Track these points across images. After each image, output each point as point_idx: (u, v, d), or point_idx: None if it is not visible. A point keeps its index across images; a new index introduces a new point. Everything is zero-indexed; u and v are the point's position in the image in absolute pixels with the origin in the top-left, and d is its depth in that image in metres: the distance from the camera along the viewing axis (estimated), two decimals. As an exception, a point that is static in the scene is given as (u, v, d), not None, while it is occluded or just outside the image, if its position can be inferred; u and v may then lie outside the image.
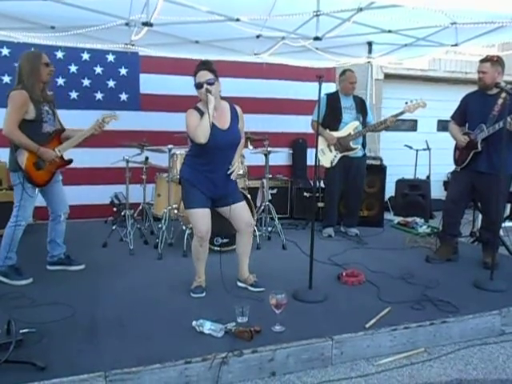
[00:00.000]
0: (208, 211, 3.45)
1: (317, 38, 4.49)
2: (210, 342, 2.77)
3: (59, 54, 6.02)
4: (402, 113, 5.04)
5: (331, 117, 5.28)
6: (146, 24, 3.98)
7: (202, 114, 3.29)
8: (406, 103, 5.01)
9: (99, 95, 6.29)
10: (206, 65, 3.35)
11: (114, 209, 5.71)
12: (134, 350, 2.67)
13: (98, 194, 6.12)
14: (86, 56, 6.17)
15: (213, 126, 3.28)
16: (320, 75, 3.42)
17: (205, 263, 3.62)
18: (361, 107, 5.43)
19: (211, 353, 2.63)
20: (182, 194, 3.58)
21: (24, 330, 2.75)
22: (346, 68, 5.54)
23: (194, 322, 2.94)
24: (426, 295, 3.53)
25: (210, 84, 3.27)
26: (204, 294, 3.52)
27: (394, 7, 4.00)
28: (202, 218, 3.41)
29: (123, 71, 6.36)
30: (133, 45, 5.46)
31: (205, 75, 3.29)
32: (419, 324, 3.10)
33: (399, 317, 3.16)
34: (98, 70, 6.25)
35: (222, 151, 3.39)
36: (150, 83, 6.48)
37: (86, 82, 6.21)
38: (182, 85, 6.53)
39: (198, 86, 3.30)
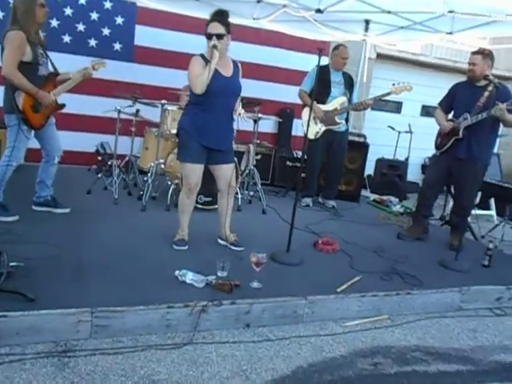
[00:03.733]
0: (201, 166, 3.56)
1: (318, 11, 4.56)
2: (191, 292, 2.93)
3: None
4: (387, 93, 5.17)
5: (320, 90, 5.36)
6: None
7: (206, 62, 3.37)
8: (393, 85, 5.13)
9: (93, 42, 6.22)
10: (219, 16, 3.38)
11: (99, 158, 5.75)
12: (119, 292, 2.81)
13: (83, 142, 6.12)
14: (82, 0, 6.05)
15: (216, 73, 3.37)
16: (321, 48, 3.52)
17: (189, 217, 3.75)
18: (349, 83, 5.53)
19: (192, 300, 2.80)
20: (178, 144, 3.66)
21: (13, 264, 2.85)
22: (340, 43, 5.60)
23: (176, 272, 3.09)
24: (395, 268, 3.77)
25: (219, 38, 3.32)
26: (186, 247, 3.66)
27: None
28: (194, 171, 3.53)
29: (119, 20, 6.29)
30: (134, -6, 5.40)
31: (216, 27, 3.34)
32: (386, 293, 3.33)
33: (368, 285, 3.38)
34: (94, 16, 6.16)
35: (225, 97, 3.47)
36: (146, 35, 6.43)
37: (81, 27, 6.13)
38: (177, 41, 6.54)
39: (208, 36, 3.36)
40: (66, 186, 4.96)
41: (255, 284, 3.12)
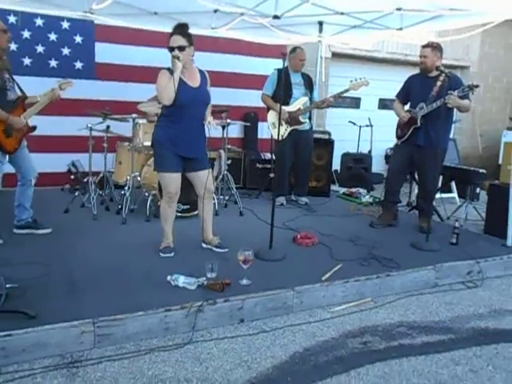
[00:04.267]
0: (178, 174, 3.69)
1: (276, 17, 4.75)
2: (184, 294, 3.06)
3: (11, 19, 5.88)
4: (346, 90, 5.40)
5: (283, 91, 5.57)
6: (112, -6, 4.07)
7: (172, 74, 3.48)
8: (351, 81, 5.36)
9: (53, 62, 6.22)
10: (180, 29, 3.51)
11: (72, 176, 5.77)
12: (116, 301, 2.92)
13: (54, 162, 6.11)
14: (39, 22, 6.05)
15: (184, 84, 3.52)
16: (284, 53, 3.70)
17: (172, 224, 3.87)
18: (309, 83, 5.76)
19: (188, 302, 2.93)
20: (154, 155, 3.77)
21: (8, 285, 2.90)
22: (296, 46, 5.82)
23: (168, 277, 3.21)
24: (372, 254, 4.00)
25: (180, 50, 3.45)
26: (173, 254, 3.78)
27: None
28: (172, 180, 3.66)
29: (78, 39, 6.31)
30: (92, 13, 5.46)
31: (177, 40, 3.48)
32: (367, 277, 3.55)
33: (350, 271, 3.60)
34: (53, 36, 6.17)
35: (194, 107, 3.59)
36: (106, 52, 6.47)
37: (40, 49, 6.12)
38: (137, 55, 6.61)
39: (170, 50, 3.48)
40: (42, 207, 4.95)
41: (244, 281, 3.27)
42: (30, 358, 2.51)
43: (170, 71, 3.52)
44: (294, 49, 5.71)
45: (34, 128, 4.03)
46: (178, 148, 3.62)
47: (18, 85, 4.00)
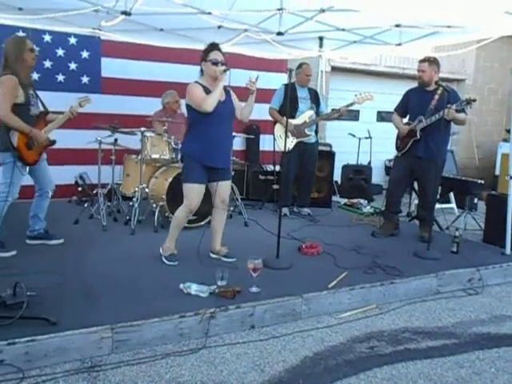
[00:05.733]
0: (203, 187, 3.85)
1: (279, 34, 4.91)
2: (197, 301, 3.17)
3: (46, 38, 6.10)
4: (352, 104, 5.57)
5: (288, 105, 5.71)
6: (124, 13, 4.22)
7: (204, 89, 3.72)
8: (356, 95, 5.53)
9: (61, 77, 6.38)
10: (217, 46, 3.81)
11: (79, 189, 5.89)
12: (131, 308, 3.02)
13: (61, 175, 6.21)
14: (47, 38, 6.23)
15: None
16: (290, 69, 3.87)
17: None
18: (315, 98, 5.93)
19: (201, 309, 3.03)
20: (183, 167, 3.94)
21: (28, 293, 3.00)
22: (303, 62, 6.00)
23: (181, 285, 3.32)
24: (376, 262, 4.12)
25: (224, 65, 3.73)
26: (177, 263, 3.89)
27: (350, 11, 4.48)
28: (197, 193, 3.81)
29: (85, 54, 6.48)
30: (100, 30, 5.62)
31: (219, 55, 3.75)
32: (372, 285, 3.66)
33: (355, 279, 3.71)
34: (60, 52, 6.33)
35: (221, 119, 3.78)
36: (111, 67, 6.63)
37: (48, 64, 6.28)
38: (142, 70, 6.78)
39: (215, 63, 3.71)
40: (52, 218, 5.07)
41: (254, 289, 3.38)
42: (51, 362, 2.61)
43: (200, 84, 3.75)
44: (301, 65, 5.90)
45: (53, 142, 4.18)
46: (208, 159, 3.78)
47: (41, 100, 4.21)
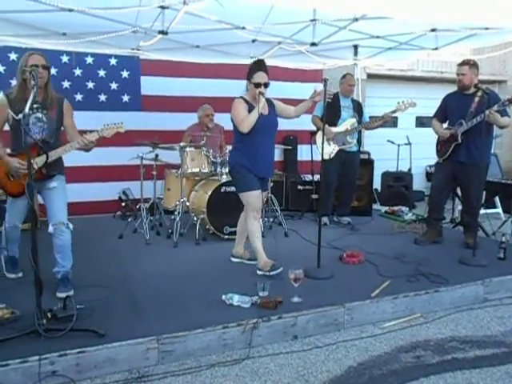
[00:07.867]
0: (260, 191, 3.98)
1: (313, 44, 4.93)
2: (239, 312, 3.20)
3: (64, 59, 6.33)
4: (395, 111, 5.53)
5: (331, 114, 5.66)
6: (162, 32, 4.36)
7: (248, 104, 3.87)
8: (398, 103, 5.48)
9: (103, 97, 6.62)
10: (264, 66, 3.89)
11: (123, 204, 6.06)
12: (176, 319, 3.08)
13: (105, 191, 6.45)
14: (89, 60, 6.48)
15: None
16: (325, 79, 3.88)
17: None
18: (358, 108, 5.94)
19: (243, 320, 3.06)
20: (236, 179, 4.08)
21: (78, 306, 3.12)
22: (347, 72, 6.05)
23: (223, 296, 3.37)
24: (419, 270, 4.04)
25: (266, 86, 3.84)
26: (282, 268, 3.83)
27: (383, 18, 4.47)
28: (257, 197, 3.95)
29: (125, 74, 6.70)
30: (138, 49, 5.81)
31: (264, 77, 3.85)
32: (416, 293, 3.60)
33: (398, 288, 3.66)
34: (102, 73, 6.58)
35: (265, 132, 3.92)
36: (150, 85, 6.83)
37: (90, 85, 6.53)
38: (179, 86, 6.95)
39: (257, 85, 3.82)
40: (97, 233, 5.29)
41: (296, 299, 3.39)
42: (100, 373, 2.69)
43: (245, 101, 3.90)
44: (344, 75, 5.97)
45: (49, 176, 3.51)
46: (256, 169, 3.94)
47: (55, 126, 3.54)
